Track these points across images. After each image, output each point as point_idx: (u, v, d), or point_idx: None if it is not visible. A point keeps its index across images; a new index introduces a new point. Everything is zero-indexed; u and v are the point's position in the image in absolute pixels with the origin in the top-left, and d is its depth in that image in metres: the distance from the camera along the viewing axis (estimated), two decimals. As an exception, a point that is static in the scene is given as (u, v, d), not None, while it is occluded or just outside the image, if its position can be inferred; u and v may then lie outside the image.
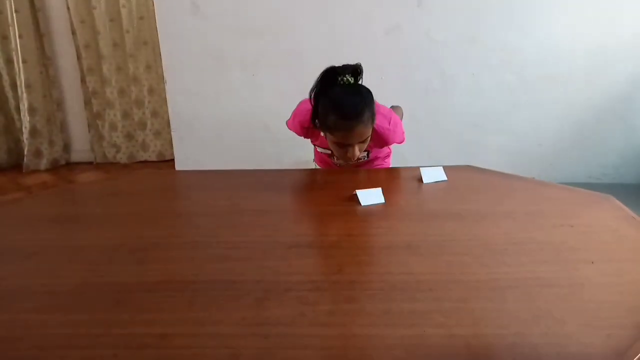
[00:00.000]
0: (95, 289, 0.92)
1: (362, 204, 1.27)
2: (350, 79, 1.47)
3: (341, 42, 2.72)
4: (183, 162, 3.05)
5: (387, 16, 2.70)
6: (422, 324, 0.79)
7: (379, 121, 1.57)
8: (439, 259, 1.00)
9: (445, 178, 1.47)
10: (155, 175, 1.84)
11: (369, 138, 1.51)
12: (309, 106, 1.56)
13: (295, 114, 1.72)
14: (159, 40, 2.82)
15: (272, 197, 1.39)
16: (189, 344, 0.75)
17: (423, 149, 2.90)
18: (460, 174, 1.52)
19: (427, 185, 1.44)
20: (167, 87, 2.89)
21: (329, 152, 1.72)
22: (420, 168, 1.49)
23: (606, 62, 2.74)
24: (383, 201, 1.29)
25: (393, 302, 0.85)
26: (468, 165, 1.60)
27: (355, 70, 1.48)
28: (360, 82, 1.51)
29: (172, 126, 3.00)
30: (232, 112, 2.92)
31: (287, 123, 1.79)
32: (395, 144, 1.74)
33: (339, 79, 1.47)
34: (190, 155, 3.04)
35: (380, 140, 1.63)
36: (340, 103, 1.43)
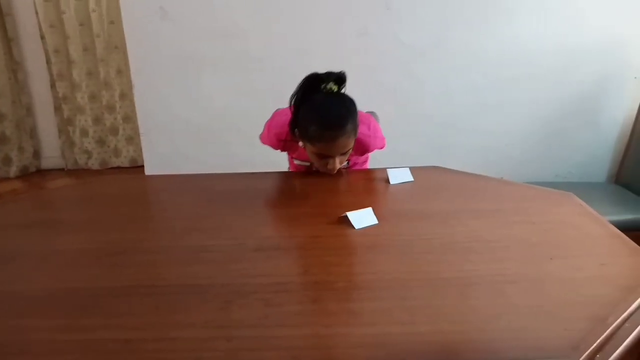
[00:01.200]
0: (64, 295, 0.91)
1: (356, 227, 1.16)
2: (334, 87, 1.40)
3: (311, 45, 2.73)
4: (153, 167, 3.02)
5: (356, 20, 2.72)
6: (385, 322, 0.80)
7: (359, 128, 1.48)
8: (403, 258, 1.02)
9: (412, 179, 1.49)
10: (126, 180, 1.83)
11: (351, 150, 1.45)
12: (285, 118, 1.49)
13: (269, 126, 1.62)
14: (127, 45, 2.79)
15: (242, 200, 1.40)
16: (153, 349, 0.75)
17: (394, 150, 2.91)
18: (426, 175, 1.55)
19: (394, 186, 1.46)
20: (135, 91, 2.86)
21: (307, 164, 1.65)
22: (387, 169, 1.51)
23: (571, 63, 2.80)
24: (376, 222, 1.19)
25: (357, 301, 0.87)
26: (434, 166, 1.63)
27: (339, 78, 1.41)
28: (343, 91, 1.44)
29: (140, 130, 2.96)
30: (202, 115, 2.90)
31: (260, 137, 1.70)
32: (376, 150, 1.65)
33: (322, 86, 1.40)
34: (160, 159, 3.01)
35: (362, 148, 1.56)
36: (323, 113, 1.37)
